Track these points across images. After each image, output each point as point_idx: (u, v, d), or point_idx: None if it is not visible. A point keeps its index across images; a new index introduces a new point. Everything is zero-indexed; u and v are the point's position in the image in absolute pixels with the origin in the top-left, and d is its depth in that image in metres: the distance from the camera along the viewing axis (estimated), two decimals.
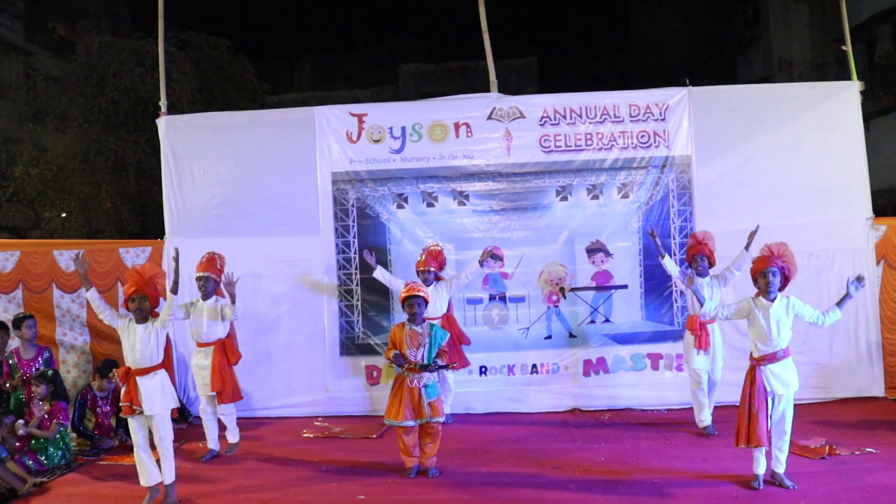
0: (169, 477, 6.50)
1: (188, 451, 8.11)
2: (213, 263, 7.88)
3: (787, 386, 6.22)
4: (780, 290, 6.34)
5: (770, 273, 6.24)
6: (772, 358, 6.22)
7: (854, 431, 7.81)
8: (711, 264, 7.96)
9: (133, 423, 6.47)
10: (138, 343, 6.42)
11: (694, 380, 7.99)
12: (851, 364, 9.20)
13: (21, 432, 7.68)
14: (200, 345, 7.86)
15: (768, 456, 6.31)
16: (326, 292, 9.53)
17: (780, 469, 6.33)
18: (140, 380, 6.41)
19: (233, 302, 7.57)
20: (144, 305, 6.49)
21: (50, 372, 8.14)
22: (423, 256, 8.64)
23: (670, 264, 8.10)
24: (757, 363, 6.26)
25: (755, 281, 6.38)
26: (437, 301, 8.54)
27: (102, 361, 8.87)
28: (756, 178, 9.24)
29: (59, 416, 7.90)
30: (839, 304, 6.34)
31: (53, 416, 7.87)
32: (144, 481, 6.47)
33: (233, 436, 7.96)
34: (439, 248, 8.84)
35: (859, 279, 6.36)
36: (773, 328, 6.20)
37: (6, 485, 6.84)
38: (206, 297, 7.83)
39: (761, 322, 6.24)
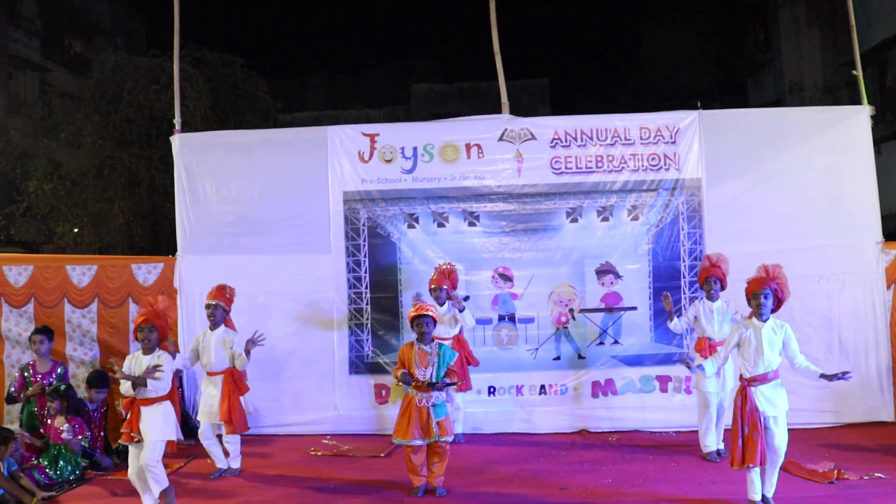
0: (156, 490, 6.49)
1: (197, 468, 8.12)
2: (223, 292, 7.95)
3: (777, 407, 6.21)
4: (773, 311, 6.35)
5: (763, 295, 6.26)
6: (763, 379, 6.21)
7: (863, 456, 7.78)
8: (723, 287, 7.96)
9: (132, 451, 6.50)
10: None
11: (702, 403, 7.96)
12: (862, 388, 9.14)
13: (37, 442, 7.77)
14: (210, 374, 7.90)
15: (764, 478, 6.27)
16: (336, 311, 9.56)
17: (770, 492, 6.30)
18: (144, 409, 6.44)
19: (247, 355, 7.67)
20: (152, 336, 6.56)
21: (63, 387, 8.20)
22: (436, 275, 8.68)
23: (677, 326, 8.13)
24: (748, 384, 6.24)
25: (749, 301, 6.39)
26: (447, 321, 8.57)
27: (92, 372, 8.92)
28: (766, 201, 9.25)
29: (77, 430, 7.97)
30: (825, 376, 6.28)
31: (75, 431, 7.94)
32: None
33: (235, 462, 7.96)
34: (452, 268, 8.86)
35: (846, 373, 6.29)
36: (766, 349, 6.20)
37: (15, 498, 6.88)
38: (214, 326, 7.87)
39: (753, 342, 6.25)
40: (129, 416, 6.46)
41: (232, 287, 8.05)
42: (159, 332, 6.62)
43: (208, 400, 7.86)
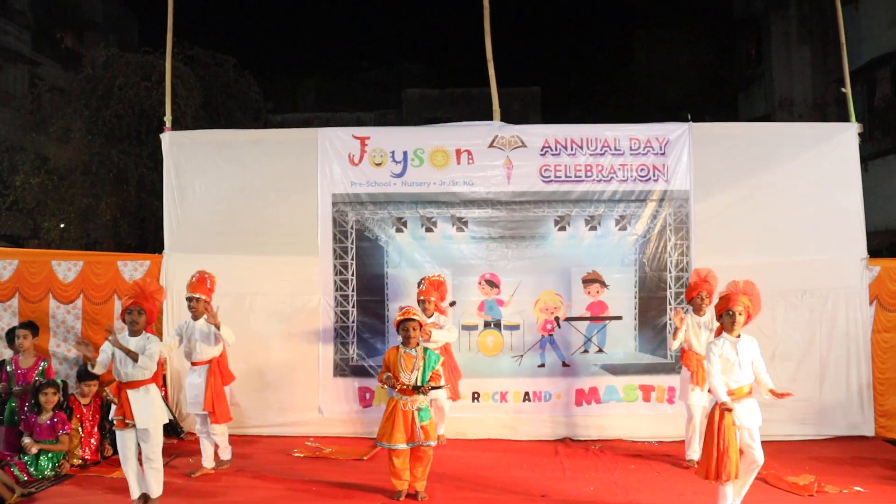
0: (156, 490, 6.55)
1: (179, 466, 8.10)
2: (203, 284, 7.90)
3: (753, 421, 6.24)
4: (742, 326, 6.33)
5: (737, 311, 6.25)
6: (739, 392, 6.21)
7: (843, 469, 7.82)
8: (709, 303, 7.98)
9: (123, 437, 6.50)
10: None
11: (688, 414, 8.02)
12: (842, 402, 9.22)
13: (33, 451, 7.72)
14: (194, 363, 7.88)
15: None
16: (322, 313, 9.55)
17: (738, 502, 6.33)
18: (131, 393, 6.47)
19: (217, 328, 7.64)
20: (140, 319, 6.60)
21: (59, 381, 8.22)
22: (424, 286, 8.68)
23: (676, 345, 8.03)
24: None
25: (720, 317, 6.36)
26: (437, 332, 8.58)
27: (81, 366, 8.85)
28: (753, 214, 9.30)
29: (63, 426, 7.95)
30: (773, 391, 6.24)
31: (56, 426, 7.92)
32: (132, 494, 6.54)
33: (225, 453, 8.00)
34: (441, 279, 8.86)
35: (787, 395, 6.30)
36: (745, 362, 6.22)
37: None
38: (196, 317, 7.86)
39: (732, 358, 6.21)
40: (118, 403, 6.50)
41: (212, 274, 8.01)
42: (147, 316, 6.65)
43: (193, 391, 7.85)
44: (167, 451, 8.45)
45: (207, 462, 7.89)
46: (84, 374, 8.56)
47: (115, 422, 6.53)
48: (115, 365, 6.53)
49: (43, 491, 7.28)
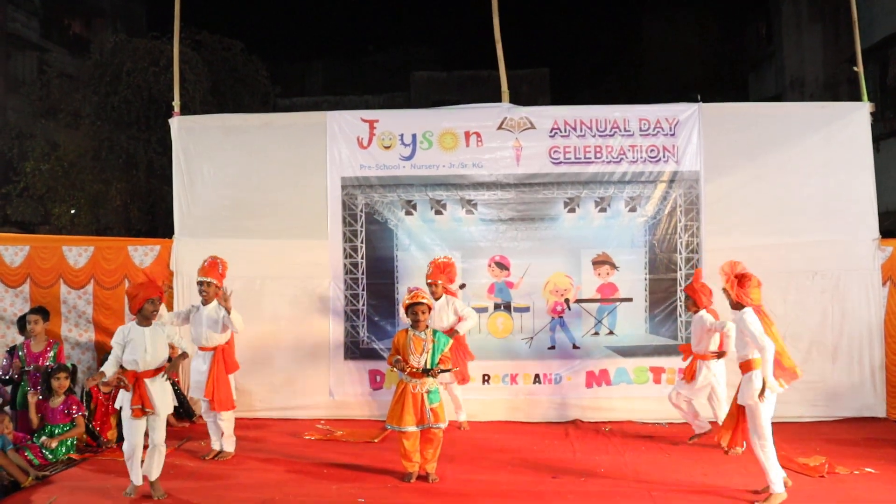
0: (156, 473, 6.60)
1: (191, 450, 8.14)
2: (215, 268, 7.89)
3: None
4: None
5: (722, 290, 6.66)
6: None
7: (855, 451, 7.80)
8: (698, 306, 8.10)
9: (137, 426, 6.51)
10: (149, 345, 6.53)
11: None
12: (855, 384, 9.19)
13: (52, 445, 7.79)
14: (201, 348, 7.90)
15: None
16: (332, 296, 9.56)
17: None
18: (149, 382, 6.52)
19: (228, 313, 7.63)
20: (160, 309, 6.73)
21: (70, 365, 8.27)
22: (431, 269, 8.67)
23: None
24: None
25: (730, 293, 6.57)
26: (443, 314, 8.58)
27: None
28: (764, 195, 9.25)
29: (76, 408, 8.01)
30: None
31: (69, 409, 7.98)
32: (136, 480, 6.59)
33: (228, 444, 7.95)
34: (448, 261, 8.83)
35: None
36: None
37: (9, 477, 6.89)
38: (206, 301, 7.87)
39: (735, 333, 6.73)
40: (136, 392, 6.47)
41: (224, 260, 8.00)
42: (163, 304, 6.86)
43: (197, 376, 7.89)
44: (180, 435, 8.54)
45: (216, 445, 7.92)
46: None
47: (131, 410, 6.48)
48: (132, 353, 6.52)
49: (57, 474, 7.32)
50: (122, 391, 6.56)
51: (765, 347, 6.22)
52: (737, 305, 6.52)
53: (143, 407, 6.46)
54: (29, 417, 8.03)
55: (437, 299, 8.46)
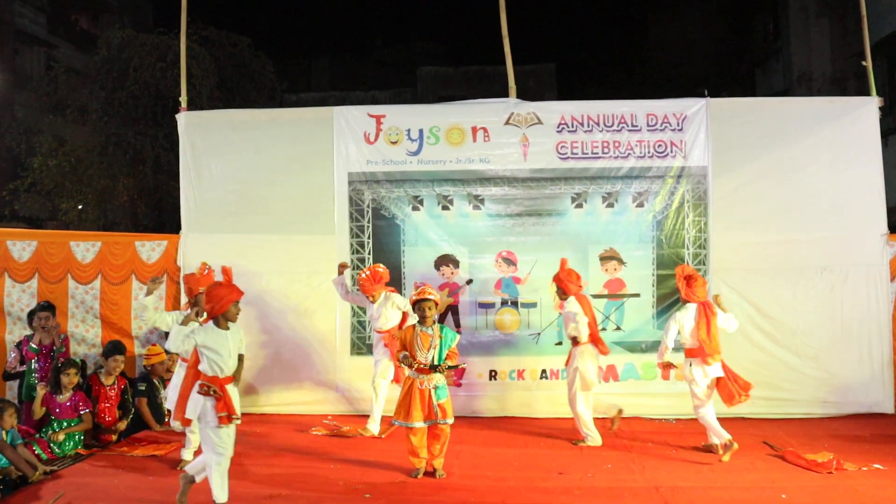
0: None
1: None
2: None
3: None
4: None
5: None
6: None
7: (862, 447, 7.79)
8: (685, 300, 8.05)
9: (230, 433, 6.13)
10: (232, 350, 6.22)
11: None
12: (863, 380, 9.17)
13: (60, 438, 7.81)
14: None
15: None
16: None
17: None
18: (230, 388, 6.19)
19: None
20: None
21: (78, 360, 8.30)
22: (365, 280, 8.47)
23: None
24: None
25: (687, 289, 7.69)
26: (386, 313, 8.46)
27: (110, 343, 8.87)
28: (772, 190, 9.23)
29: (83, 404, 8.04)
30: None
31: (78, 405, 8.01)
32: (223, 497, 6.12)
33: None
34: (381, 271, 8.57)
35: None
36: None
37: (18, 471, 6.91)
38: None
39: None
40: (222, 399, 6.08)
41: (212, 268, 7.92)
42: None
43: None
44: (160, 440, 8.54)
45: None
46: (112, 350, 8.61)
47: (217, 418, 6.05)
48: (219, 359, 6.11)
49: (65, 469, 7.33)
50: (194, 398, 6.17)
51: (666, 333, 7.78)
52: (684, 301, 7.72)
53: (229, 414, 6.07)
54: (32, 409, 8.04)
55: (374, 303, 8.46)
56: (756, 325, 9.16)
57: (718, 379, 7.58)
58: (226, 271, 7.88)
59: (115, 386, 8.59)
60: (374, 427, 8.53)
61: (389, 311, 8.51)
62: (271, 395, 9.52)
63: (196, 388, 6.14)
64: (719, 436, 7.54)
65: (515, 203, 9.50)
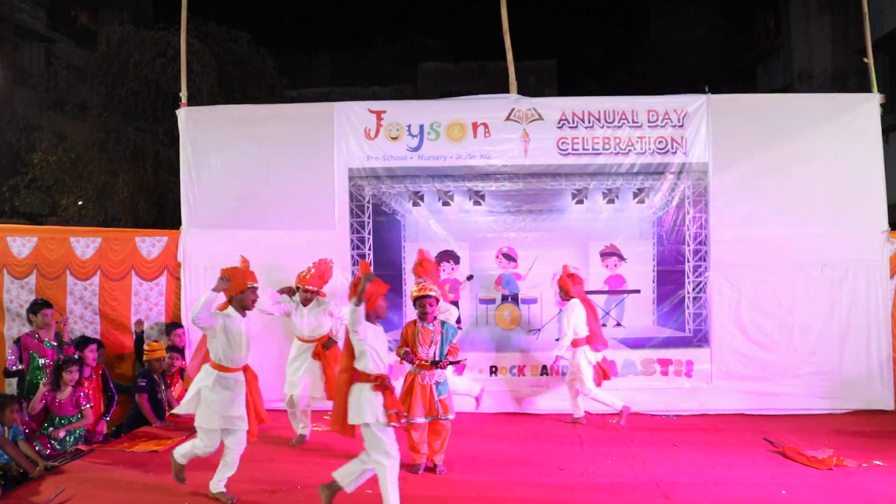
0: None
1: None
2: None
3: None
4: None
5: None
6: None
7: (862, 443, 7.78)
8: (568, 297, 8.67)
9: (392, 433, 5.91)
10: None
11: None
12: (862, 376, 9.17)
13: (61, 435, 7.85)
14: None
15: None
16: (340, 287, 9.54)
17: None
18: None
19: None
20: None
21: (77, 356, 8.30)
22: (310, 273, 8.29)
23: None
24: None
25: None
26: (315, 321, 8.25)
27: (79, 337, 9.03)
28: (772, 187, 9.22)
29: (84, 400, 8.04)
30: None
31: (79, 401, 8.03)
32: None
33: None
34: (330, 264, 8.51)
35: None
36: None
37: (19, 467, 6.91)
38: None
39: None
40: (390, 393, 5.91)
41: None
42: None
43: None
44: (160, 437, 8.54)
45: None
46: (81, 344, 8.64)
47: (387, 416, 5.84)
48: (376, 357, 5.92)
49: (66, 465, 7.33)
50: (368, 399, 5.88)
51: (566, 334, 8.50)
52: (567, 297, 8.56)
53: (398, 412, 5.91)
54: (31, 405, 8.04)
55: (305, 305, 8.22)
56: (755, 321, 9.17)
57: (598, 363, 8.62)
58: (244, 262, 7.85)
59: (94, 378, 8.63)
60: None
61: (321, 317, 8.24)
62: (271, 391, 9.46)
63: (364, 389, 5.88)
64: (614, 406, 8.65)
65: (516, 199, 9.49)
